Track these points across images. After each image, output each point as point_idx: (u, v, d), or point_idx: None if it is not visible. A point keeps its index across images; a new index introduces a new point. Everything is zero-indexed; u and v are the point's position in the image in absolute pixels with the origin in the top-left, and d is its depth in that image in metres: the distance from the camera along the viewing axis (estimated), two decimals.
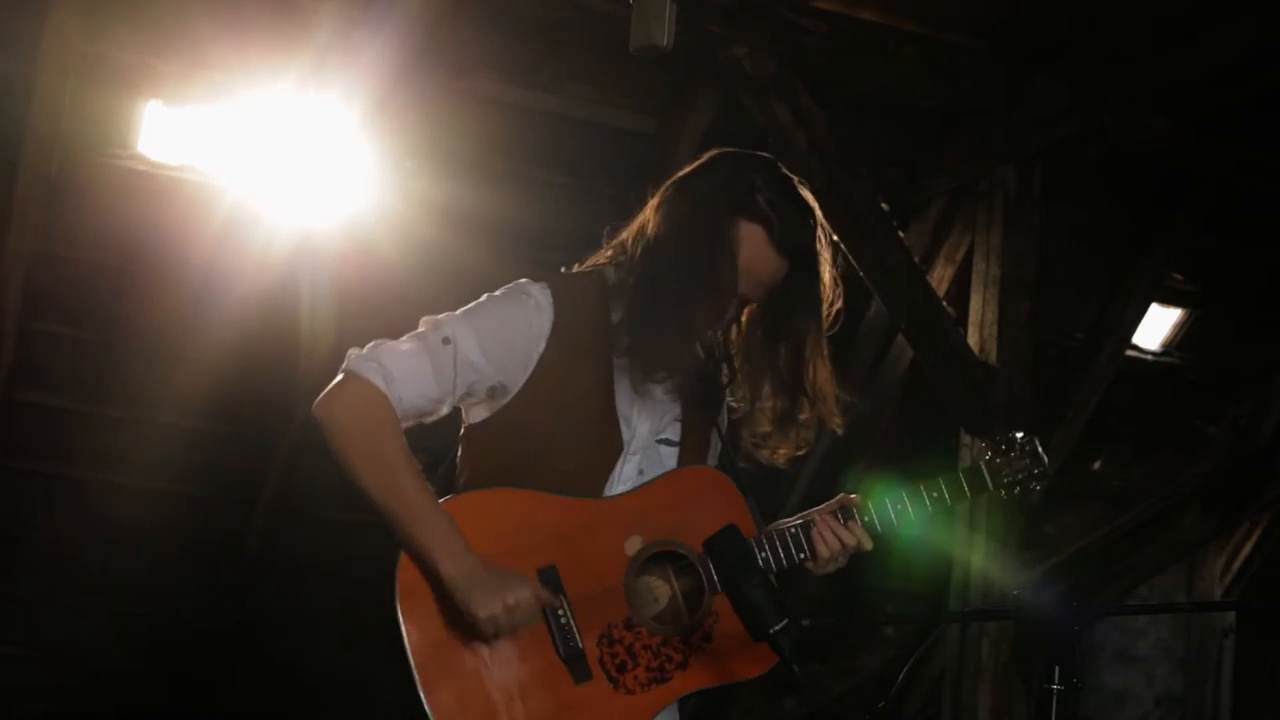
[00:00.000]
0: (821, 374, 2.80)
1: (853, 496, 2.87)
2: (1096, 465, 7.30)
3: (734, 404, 2.86)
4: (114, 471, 6.05)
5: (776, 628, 2.47)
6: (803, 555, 2.79)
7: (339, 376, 2.68)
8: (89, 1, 4.83)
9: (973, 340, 5.49)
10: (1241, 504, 7.02)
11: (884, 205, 5.17)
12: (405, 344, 2.70)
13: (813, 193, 2.84)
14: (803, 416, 2.80)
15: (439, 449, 2.85)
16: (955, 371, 5.37)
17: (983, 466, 2.94)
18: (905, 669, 6.65)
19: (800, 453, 2.85)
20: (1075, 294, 6.59)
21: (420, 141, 5.25)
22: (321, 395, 2.67)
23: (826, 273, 2.79)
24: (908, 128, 5.73)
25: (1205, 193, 6.28)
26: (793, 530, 2.80)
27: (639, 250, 2.77)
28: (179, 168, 5.34)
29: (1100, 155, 5.60)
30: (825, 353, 2.81)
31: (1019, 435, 2.96)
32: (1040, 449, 2.96)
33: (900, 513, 2.86)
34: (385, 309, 5.36)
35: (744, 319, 2.85)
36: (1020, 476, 2.95)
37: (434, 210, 5.30)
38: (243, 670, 6.58)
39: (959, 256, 5.98)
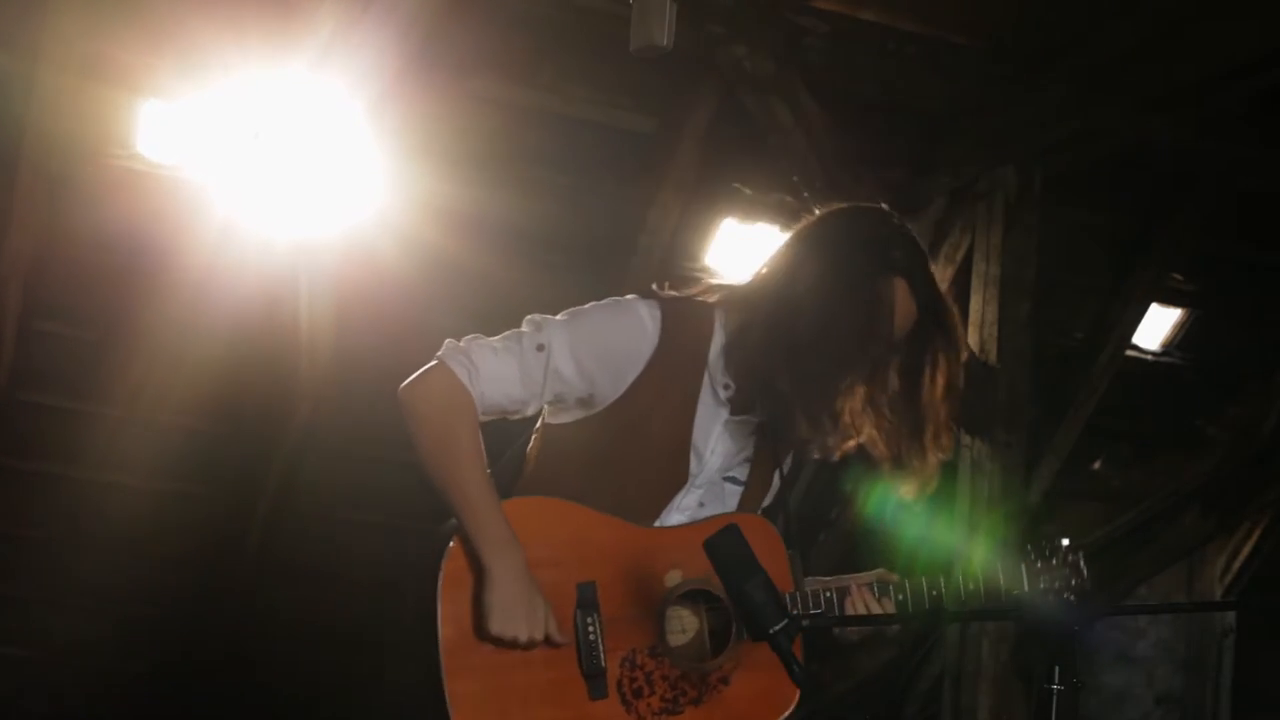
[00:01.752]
0: (943, 425, 2.82)
1: (893, 575, 2.89)
2: (1096, 465, 7.30)
3: (871, 449, 2.85)
4: (114, 471, 6.05)
5: (776, 628, 2.47)
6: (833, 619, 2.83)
7: (431, 363, 2.73)
8: (89, 1, 4.84)
9: (973, 340, 5.49)
10: (1241, 504, 7.02)
11: (884, 205, 5.17)
12: (500, 343, 2.74)
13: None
14: (932, 460, 2.82)
15: (498, 448, 2.88)
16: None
17: (1023, 569, 2.95)
18: (906, 669, 6.65)
19: (928, 490, 2.86)
20: (1075, 294, 6.59)
21: (421, 141, 5.25)
22: (409, 379, 2.72)
23: (956, 313, 2.81)
24: (908, 128, 5.73)
25: (1205, 193, 6.29)
26: (827, 594, 2.83)
27: (770, 306, 2.76)
28: (179, 167, 5.34)
29: (1100, 155, 5.60)
30: (953, 403, 2.82)
31: (1064, 543, 2.97)
32: (1083, 564, 2.96)
33: (936, 598, 2.88)
34: (386, 307, 5.38)
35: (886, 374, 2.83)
36: (1057, 585, 2.96)
37: (434, 210, 5.30)
38: (242, 670, 6.58)
39: (959, 256, 5.98)
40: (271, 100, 5.02)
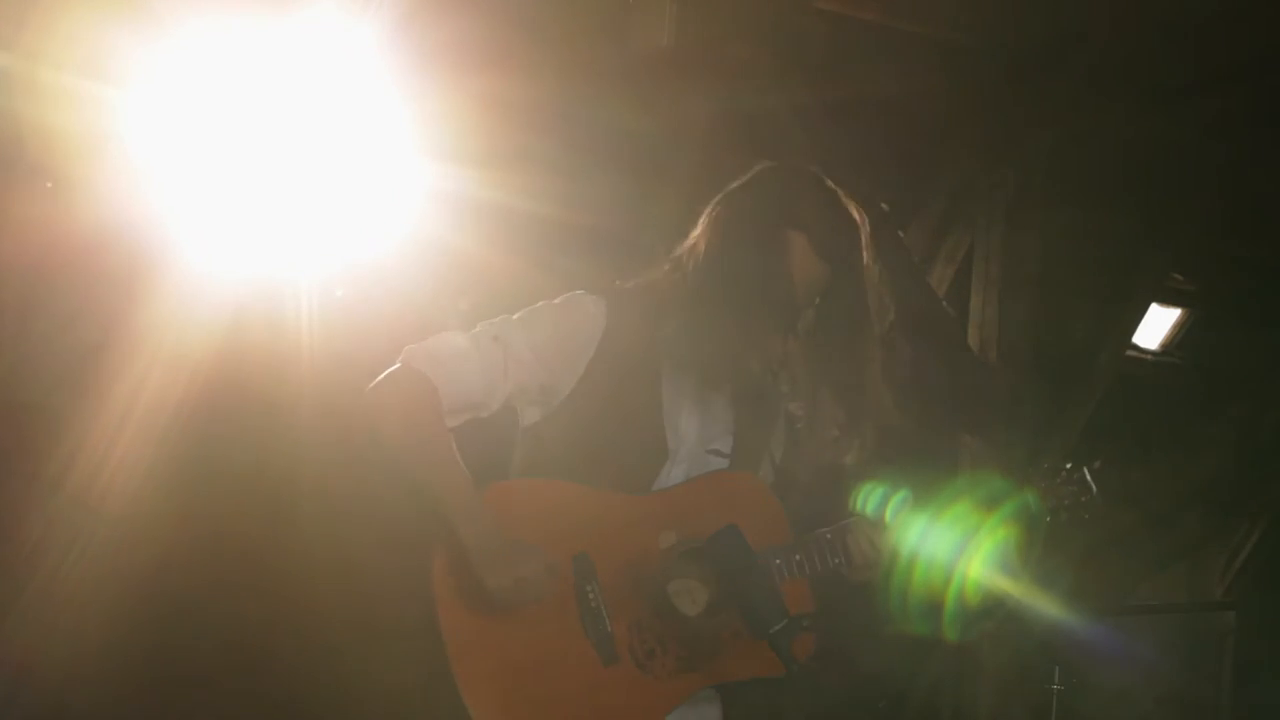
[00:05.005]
0: (872, 383, 2.86)
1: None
2: (1096, 465, 7.29)
3: (798, 412, 2.91)
4: (114, 472, 6.05)
5: (776, 628, 2.48)
6: (838, 560, 2.83)
7: (393, 366, 2.79)
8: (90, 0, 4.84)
9: (973, 340, 5.49)
10: (1241, 504, 7.03)
11: (884, 205, 5.18)
12: (456, 336, 2.82)
13: None
14: (863, 423, 2.86)
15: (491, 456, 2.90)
16: (955, 371, 5.38)
17: (1030, 493, 2.98)
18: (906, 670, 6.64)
19: (865, 454, 2.90)
20: (1075, 294, 6.59)
21: (420, 140, 5.26)
22: (374, 382, 2.78)
23: (870, 282, 2.84)
24: (908, 128, 5.73)
25: (1205, 193, 6.28)
26: (829, 535, 2.84)
27: (692, 265, 2.86)
28: (179, 165, 5.34)
29: (1101, 155, 5.60)
30: (876, 362, 2.86)
31: (1067, 466, 2.99)
32: (1089, 476, 2.98)
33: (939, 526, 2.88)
34: (388, 306, 5.37)
35: (801, 327, 2.89)
36: (1067, 503, 2.98)
37: (434, 209, 5.30)
38: (243, 671, 6.58)
39: (959, 256, 5.99)
40: (271, 99, 5.02)
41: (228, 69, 4.95)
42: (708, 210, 2.92)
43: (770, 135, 5.01)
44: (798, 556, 2.80)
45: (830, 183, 2.90)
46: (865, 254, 2.84)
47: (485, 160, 5.46)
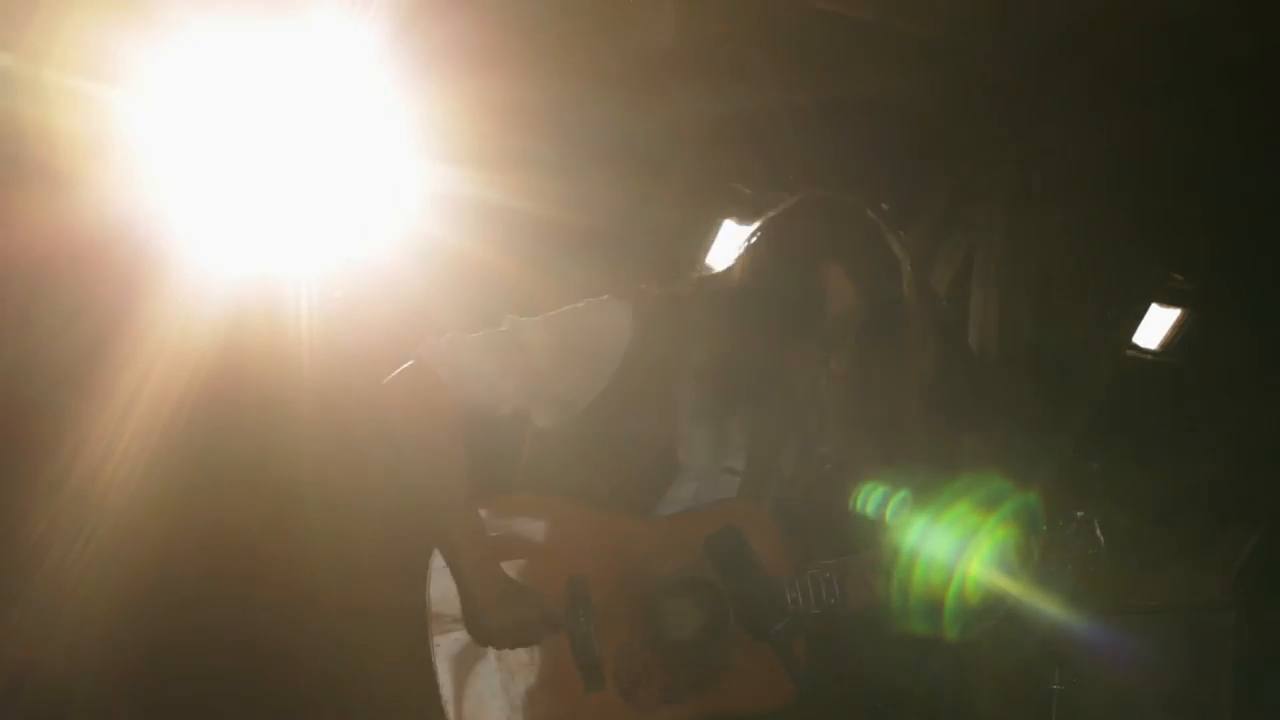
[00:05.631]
0: (909, 423, 2.86)
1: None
2: (1096, 465, 7.30)
3: (825, 450, 2.89)
4: (114, 470, 6.05)
5: (777, 628, 2.48)
6: (834, 600, 2.82)
7: (409, 362, 2.74)
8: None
9: (973, 340, 5.49)
10: (1241, 504, 7.02)
11: (884, 205, 5.18)
12: (479, 340, 2.76)
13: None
14: (893, 462, 2.86)
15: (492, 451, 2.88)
16: (955, 372, 5.38)
17: (1034, 541, 2.97)
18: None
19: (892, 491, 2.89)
20: (1075, 294, 6.59)
21: (418, 141, 5.26)
22: (389, 378, 2.74)
23: (911, 318, 2.81)
24: (907, 127, 5.73)
25: (1205, 192, 6.28)
26: (828, 575, 2.83)
27: (728, 290, 2.82)
28: (180, 164, 5.34)
29: (1101, 155, 5.60)
30: (915, 403, 2.86)
31: (1079, 514, 2.98)
32: (1097, 529, 2.96)
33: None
34: (387, 306, 5.38)
35: (835, 365, 2.84)
36: (1074, 554, 2.96)
37: (431, 208, 5.31)
38: (243, 669, 6.58)
39: (959, 257, 5.99)
40: (271, 99, 5.02)
41: (228, 69, 4.95)
42: (746, 238, 2.87)
43: (768, 136, 5.01)
44: (795, 593, 2.79)
45: (873, 214, 2.86)
46: (906, 289, 2.80)
47: (483, 161, 5.46)
